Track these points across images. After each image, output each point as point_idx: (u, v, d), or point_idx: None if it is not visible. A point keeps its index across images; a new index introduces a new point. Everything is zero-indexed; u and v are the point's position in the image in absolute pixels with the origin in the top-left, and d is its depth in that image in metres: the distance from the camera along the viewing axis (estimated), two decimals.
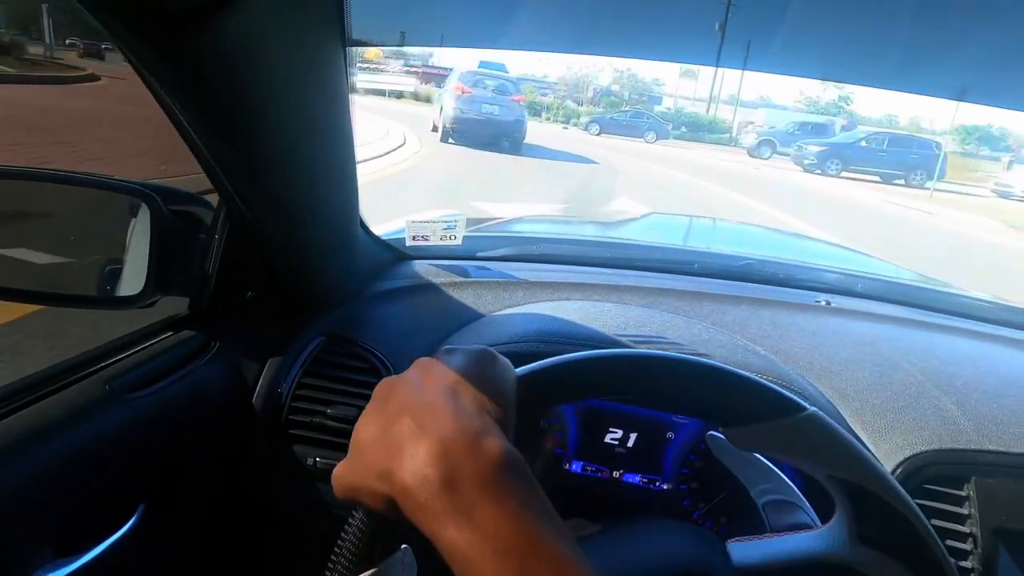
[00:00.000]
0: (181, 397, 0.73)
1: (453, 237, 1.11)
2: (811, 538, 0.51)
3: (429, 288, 1.02)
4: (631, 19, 0.93)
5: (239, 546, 0.90)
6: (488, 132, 9.44)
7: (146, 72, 0.52)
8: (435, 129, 9.99)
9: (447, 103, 9.55)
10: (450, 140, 9.42)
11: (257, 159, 0.65)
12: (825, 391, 0.82)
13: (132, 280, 0.77)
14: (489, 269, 1.11)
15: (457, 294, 1.01)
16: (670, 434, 0.83)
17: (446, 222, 1.11)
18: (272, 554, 0.92)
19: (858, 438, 0.70)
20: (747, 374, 0.47)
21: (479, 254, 1.16)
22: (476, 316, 0.95)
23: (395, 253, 1.12)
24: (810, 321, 0.99)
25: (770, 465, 0.59)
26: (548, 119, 20.62)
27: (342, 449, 0.82)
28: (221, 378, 0.80)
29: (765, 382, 0.47)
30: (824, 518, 0.52)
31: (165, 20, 0.45)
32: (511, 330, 0.86)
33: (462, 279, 1.05)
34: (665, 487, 0.83)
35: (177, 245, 0.76)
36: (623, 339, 0.82)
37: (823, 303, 1.05)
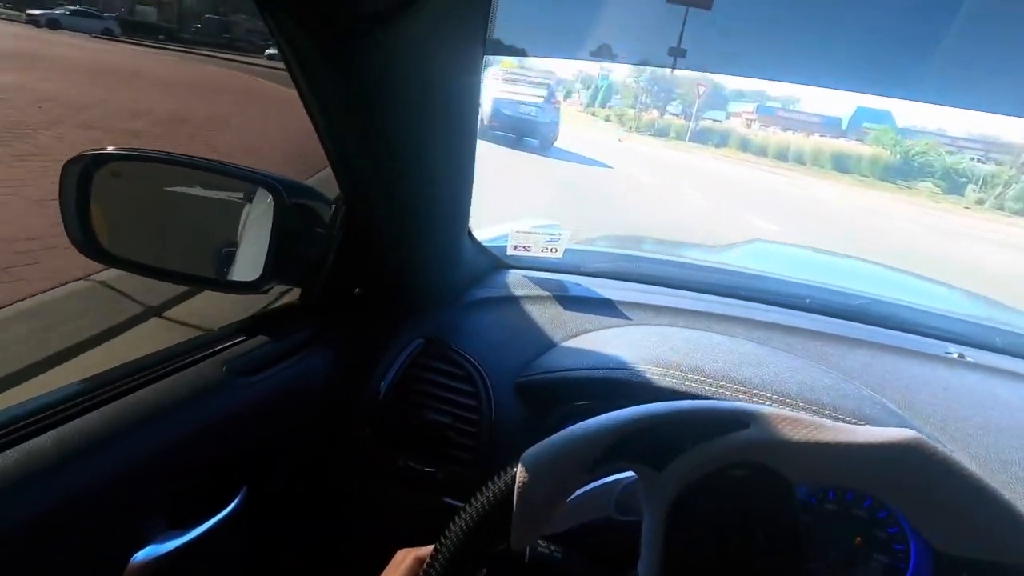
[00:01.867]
0: (288, 384, 0.75)
1: (555, 250, 1.09)
2: None
3: (527, 299, 1.00)
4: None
5: (327, 536, 0.92)
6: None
7: (302, 74, 0.53)
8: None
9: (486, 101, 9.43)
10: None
11: (388, 162, 0.66)
12: (962, 459, 0.72)
13: (246, 265, 0.80)
14: (588, 285, 1.07)
15: (554, 308, 0.98)
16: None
17: (549, 234, 1.09)
18: (354, 547, 0.93)
19: None
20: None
21: (579, 269, 1.13)
22: (572, 333, 0.92)
23: (495, 261, 1.11)
24: (941, 375, 0.88)
25: None
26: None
27: (431, 454, 0.81)
28: (325, 369, 0.81)
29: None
30: None
31: (335, 29, 0.46)
32: (584, 355, 0.82)
33: (560, 293, 1.03)
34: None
35: (295, 237, 0.78)
36: (734, 377, 0.76)
37: (955, 355, 0.94)
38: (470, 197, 0.85)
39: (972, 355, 0.95)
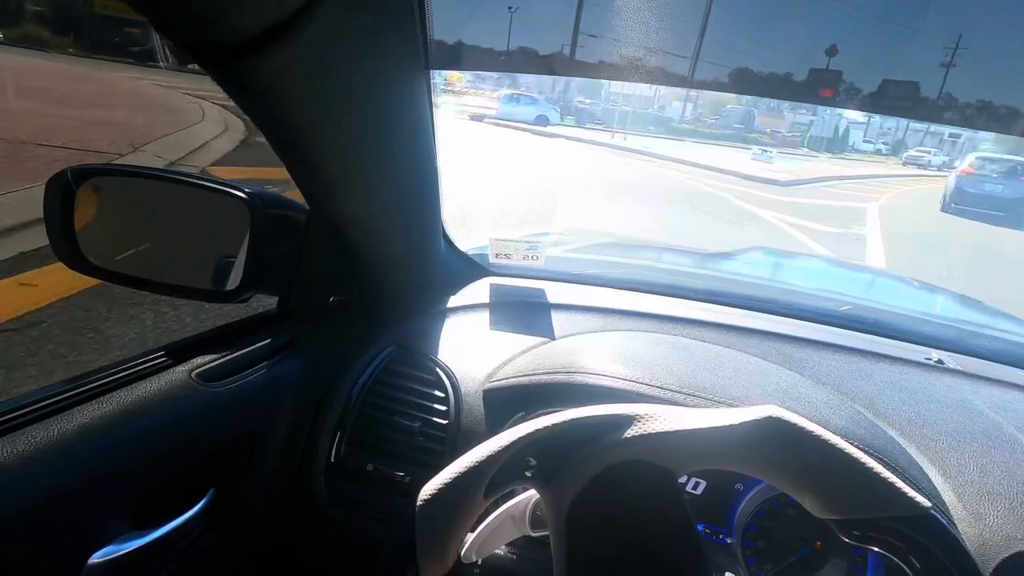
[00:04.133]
0: (259, 390, 0.77)
1: (535, 257, 1.10)
2: None
3: (505, 307, 1.01)
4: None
5: (293, 537, 0.93)
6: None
7: (226, 93, 0.55)
8: None
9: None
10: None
11: (330, 174, 0.67)
12: (925, 465, 0.72)
13: (226, 276, 0.83)
14: (570, 292, 1.08)
15: (531, 315, 0.99)
16: (739, 486, 0.76)
17: (529, 242, 1.10)
18: (322, 551, 0.94)
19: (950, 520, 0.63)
20: (870, 464, 0.43)
21: (562, 276, 1.14)
22: (545, 340, 0.93)
23: (476, 268, 1.13)
24: (916, 380, 0.88)
25: None
26: None
27: (399, 457, 0.83)
28: (298, 375, 0.83)
29: (886, 476, 0.43)
30: None
31: (224, 50, 0.47)
32: (552, 360, 0.83)
33: (538, 300, 1.04)
34: (729, 541, 0.77)
35: (271, 247, 0.81)
36: (694, 383, 0.76)
37: (934, 360, 0.94)
38: (438, 206, 0.87)
39: (952, 360, 0.95)
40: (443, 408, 0.83)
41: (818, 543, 0.72)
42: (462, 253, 1.11)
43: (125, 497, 0.62)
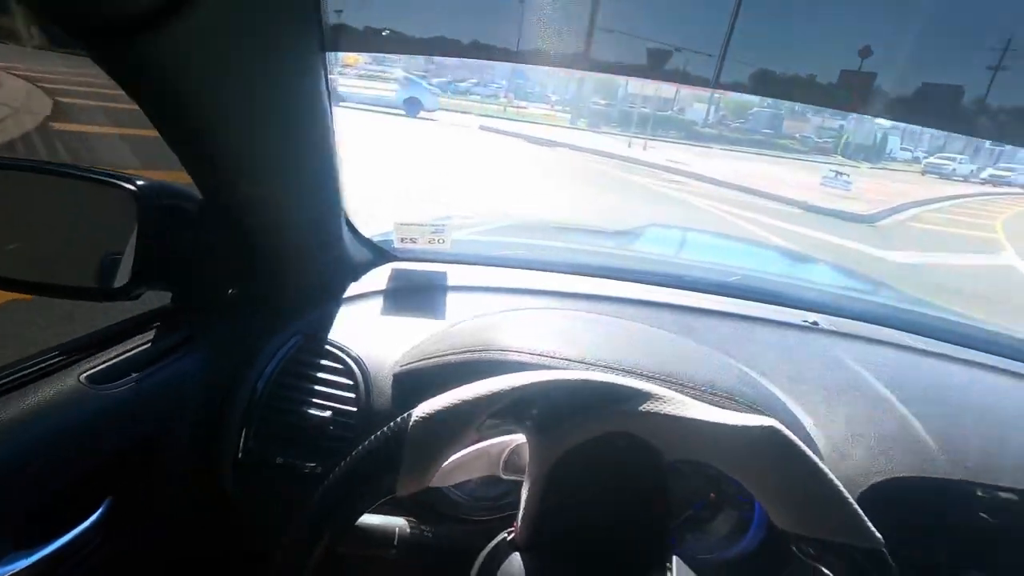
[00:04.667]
0: (157, 390, 0.75)
1: (441, 240, 1.13)
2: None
3: (412, 291, 1.03)
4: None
5: (204, 540, 0.91)
6: None
7: (111, 77, 0.53)
8: None
9: None
10: None
11: (226, 159, 0.66)
12: (802, 416, 0.82)
13: (114, 272, 0.79)
14: (476, 274, 1.12)
15: (439, 298, 1.02)
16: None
17: (434, 226, 1.12)
18: (235, 550, 0.93)
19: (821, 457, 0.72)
20: (845, 494, 0.47)
21: (468, 258, 1.17)
22: (453, 322, 0.95)
23: (382, 254, 1.14)
24: (794, 340, 0.99)
25: None
26: None
27: (310, 450, 0.83)
28: (199, 372, 0.81)
29: (855, 508, 0.47)
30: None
31: (114, 29, 0.46)
32: (462, 340, 0.86)
33: (445, 283, 1.06)
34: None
35: (161, 239, 0.78)
36: (599, 357, 0.82)
37: (811, 322, 1.05)
38: (339, 192, 0.87)
39: (826, 321, 1.07)
40: (352, 396, 0.84)
41: (712, 494, 0.80)
42: (366, 239, 1.11)
43: (8, 516, 0.59)
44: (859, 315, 1.13)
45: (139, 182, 0.76)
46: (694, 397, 0.51)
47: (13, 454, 0.58)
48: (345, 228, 0.99)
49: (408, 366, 0.84)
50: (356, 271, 1.07)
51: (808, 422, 0.81)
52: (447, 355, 0.83)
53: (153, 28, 0.46)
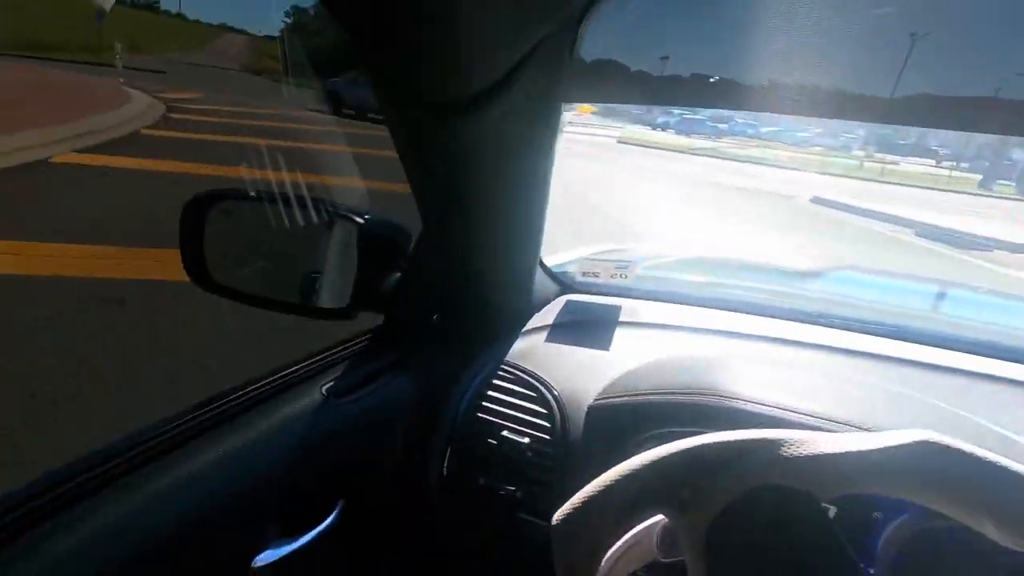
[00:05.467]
0: (375, 406, 0.81)
1: (624, 275, 1.11)
2: None
3: (596, 324, 1.02)
4: None
5: (414, 553, 0.96)
6: None
7: (402, 142, 0.60)
8: None
9: None
10: None
11: (470, 203, 0.71)
12: None
13: (331, 293, 0.87)
14: (658, 311, 1.08)
15: (623, 333, 1.00)
16: (877, 514, 0.72)
17: (617, 261, 1.11)
18: (440, 564, 0.97)
19: None
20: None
21: (649, 295, 1.14)
22: (641, 359, 0.92)
23: (563, 286, 1.14)
24: None
25: None
26: None
27: (508, 473, 0.84)
28: (408, 392, 0.87)
29: None
30: None
31: (431, 112, 0.52)
32: (669, 379, 0.83)
33: (629, 319, 1.04)
34: (872, 571, 0.73)
35: (379, 267, 0.85)
36: (801, 407, 0.74)
37: None
38: (542, 231, 0.89)
39: None
40: (548, 425, 0.85)
41: None
42: (550, 271, 1.13)
43: (272, 509, 0.66)
44: None
45: (363, 215, 0.84)
46: None
47: (275, 456, 0.66)
48: (539, 261, 1.01)
49: (602, 401, 0.84)
50: (540, 302, 1.08)
51: None
52: (641, 395, 0.81)
53: (465, 113, 0.52)
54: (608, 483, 0.47)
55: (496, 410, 0.88)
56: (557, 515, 0.48)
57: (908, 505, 0.70)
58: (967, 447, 0.42)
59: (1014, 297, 1.68)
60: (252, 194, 0.86)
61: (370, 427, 0.80)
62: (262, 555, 0.63)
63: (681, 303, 1.12)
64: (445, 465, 0.87)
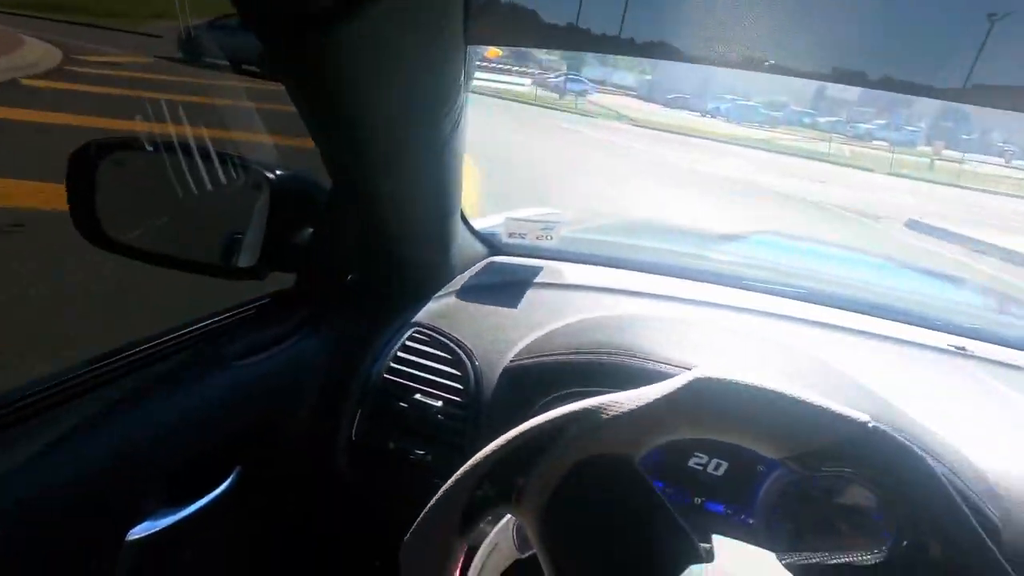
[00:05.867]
0: (281, 368, 0.78)
1: (550, 237, 1.11)
2: None
3: (520, 286, 1.02)
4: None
5: (321, 516, 0.95)
6: None
7: (276, 67, 0.55)
8: None
9: None
10: None
11: (369, 151, 0.67)
12: (952, 449, 0.72)
13: (245, 253, 0.84)
14: (583, 272, 1.09)
15: (547, 295, 1.00)
16: (761, 467, 0.77)
17: (545, 222, 1.10)
18: (347, 529, 0.96)
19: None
20: (801, 396, 0.42)
21: (575, 256, 1.15)
22: (562, 319, 0.93)
23: (491, 248, 1.13)
24: (937, 366, 0.89)
25: None
26: None
27: (421, 436, 0.84)
28: (318, 354, 0.84)
29: (818, 403, 0.42)
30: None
31: (294, 23, 0.48)
32: (579, 340, 0.84)
33: (553, 280, 1.04)
34: (751, 521, 0.78)
35: (289, 225, 0.81)
36: (704, 358, 0.77)
37: (956, 347, 0.95)
38: (459, 184, 0.87)
39: (973, 347, 0.96)
40: (462, 387, 0.84)
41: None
42: (475, 231, 1.11)
43: (159, 475, 0.63)
44: (1014, 343, 1.01)
45: (272, 168, 0.79)
46: None
47: (162, 418, 0.62)
48: (460, 219, 0.99)
49: (518, 362, 0.84)
50: (464, 263, 1.07)
51: (961, 460, 0.72)
52: (556, 355, 0.81)
53: (333, 22, 0.48)
54: (444, 494, 0.46)
55: (410, 373, 0.86)
56: (404, 541, 0.46)
57: None
58: (733, 376, 0.43)
59: (921, 268, 1.79)
60: (148, 146, 0.80)
61: (274, 391, 0.77)
62: (139, 527, 0.60)
63: (606, 265, 1.14)
64: (354, 430, 0.85)
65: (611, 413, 0.45)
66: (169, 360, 0.67)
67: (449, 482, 0.47)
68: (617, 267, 1.14)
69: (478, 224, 1.13)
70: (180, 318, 0.75)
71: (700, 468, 0.78)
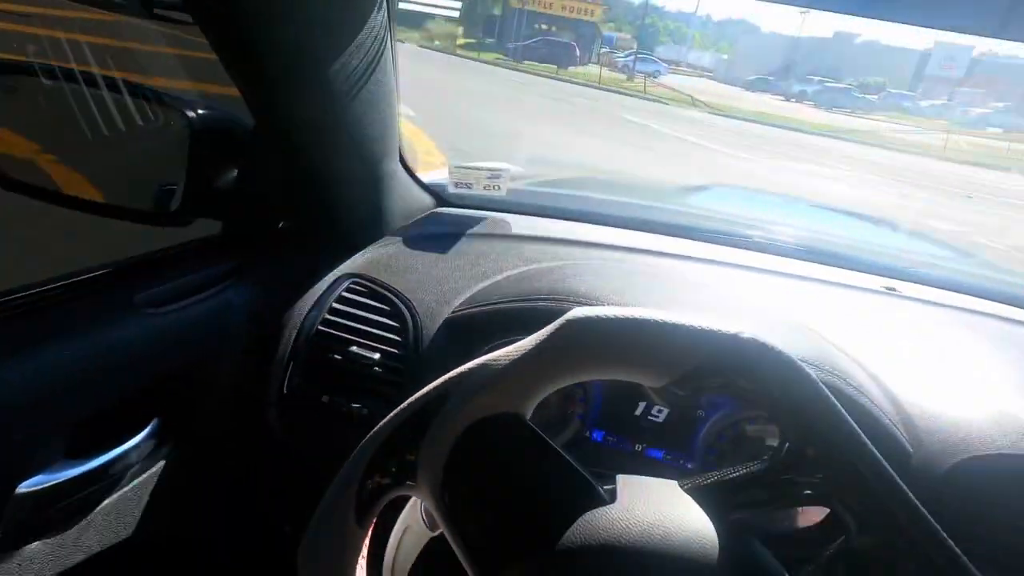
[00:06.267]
0: (203, 318, 0.73)
1: (497, 188, 1.07)
2: None
3: (465, 237, 0.99)
4: None
5: (246, 473, 0.92)
6: None
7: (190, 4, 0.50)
8: None
9: None
10: None
11: (281, 76, 0.63)
12: (877, 383, 0.75)
13: (159, 195, 0.78)
14: (529, 223, 1.06)
15: (492, 246, 0.97)
16: (700, 412, 0.77)
17: (491, 171, 1.06)
18: (275, 485, 0.94)
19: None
20: (667, 320, 0.40)
21: (522, 207, 1.12)
22: (507, 270, 0.90)
23: (436, 198, 1.09)
24: (872, 307, 0.93)
25: None
26: None
27: (358, 391, 0.81)
28: (246, 304, 0.79)
29: (689, 325, 0.40)
30: None
31: None
32: (520, 288, 0.82)
33: (499, 231, 1.02)
34: (690, 466, 0.80)
35: (215, 168, 0.75)
36: (645, 303, 0.77)
37: (887, 288, 0.99)
38: (395, 126, 0.82)
39: (903, 287, 1.00)
40: (400, 339, 0.81)
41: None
42: (419, 180, 1.07)
43: (58, 426, 0.58)
44: (942, 283, 1.05)
45: (193, 106, 0.73)
46: None
47: (61, 366, 0.58)
48: (400, 168, 0.94)
49: (460, 312, 0.81)
50: (409, 213, 1.03)
51: (882, 391, 0.75)
52: (503, 303, 0.79)
53: None
54: (335, 489, 0.44)
55: (346, 324, 0.82)
56: (301, 545, 0.44)
57: (725, 402, 0.77)
58: (601, 312, 0.41)
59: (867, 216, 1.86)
60: (46, 77, 0.72)
61: (196, 341, 0.73)
62: (30, 480, 0.55)
63: (557, 217, 1.12)
64: (286, 383, 0.82)
65: (489, 372, 0.43)
66: (76, 302, 0.62)
67: (337, 477, 0.44)
68: (568, 219, 1.12)
69: (428, 178, 1.09)
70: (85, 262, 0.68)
71: (641, 415, 0.79)
